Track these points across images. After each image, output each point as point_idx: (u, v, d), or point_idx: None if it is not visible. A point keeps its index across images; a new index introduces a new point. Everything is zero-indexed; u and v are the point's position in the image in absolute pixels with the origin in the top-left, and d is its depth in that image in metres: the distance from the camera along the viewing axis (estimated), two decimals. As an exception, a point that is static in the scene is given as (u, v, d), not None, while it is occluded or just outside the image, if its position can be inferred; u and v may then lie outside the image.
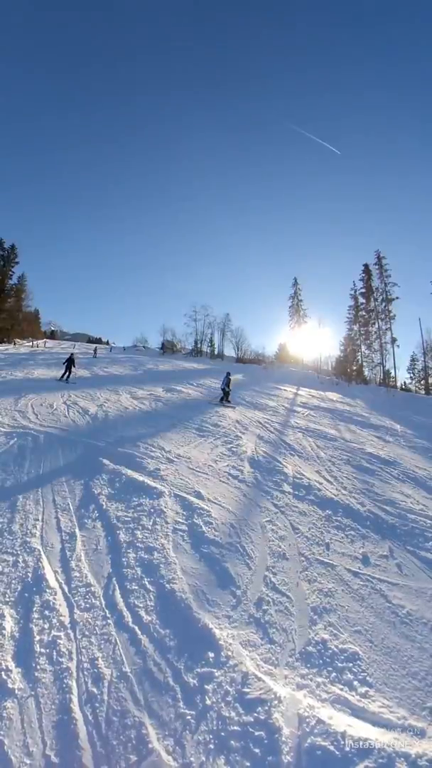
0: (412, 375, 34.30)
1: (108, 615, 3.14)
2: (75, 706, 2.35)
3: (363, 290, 35.73)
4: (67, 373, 15.95)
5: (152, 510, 4.95)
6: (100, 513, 4.79)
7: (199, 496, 5.49)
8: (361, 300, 35.84)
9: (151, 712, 2.36)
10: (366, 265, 35.80)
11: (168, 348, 45.53)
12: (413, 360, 34.12)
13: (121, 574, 3.67)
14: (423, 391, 30.87)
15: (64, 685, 2.49)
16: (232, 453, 7.71)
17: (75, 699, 2.40)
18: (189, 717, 2.35)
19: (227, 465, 6.95)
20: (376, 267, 34.65)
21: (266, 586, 3.74)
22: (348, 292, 37.02)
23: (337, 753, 2.18)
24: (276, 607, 3.47)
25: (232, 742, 2.22)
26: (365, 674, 2.84)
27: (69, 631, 2.96)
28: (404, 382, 33.97)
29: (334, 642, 3.12)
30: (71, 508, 4.88)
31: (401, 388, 31.23)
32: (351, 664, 2.91)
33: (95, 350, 36.54)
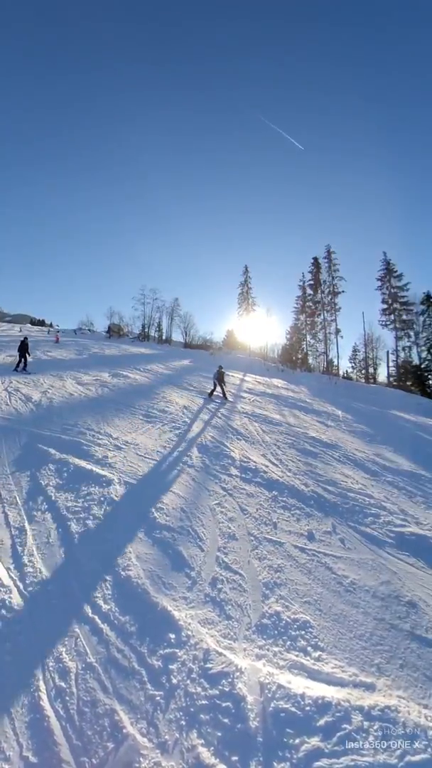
0: (353, 364, 36.49)
1: (67, 608, 3.07)
2: (45, 703, 2.31)
3: (311, 282, 37.12)
4: (23, 361, 13.84)
5: (102, 498, 4.85)
6: (49, 504, 4.60)
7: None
8: (309, 291, 37.26)
9: (120, 698, 2.39)
10: (315, 259, 37.20)
11: (114, 332, 43.63)
12: (355, 350, 36.29)
13: (76, 565, 3.59)
14: (363, 380, 33.12)
15: (31, 684, 2.44)
16: (180, 438, 7.72)
17: (44, 696, 2.36)
18: (158, 698, 2.41)
19: (176, 450, 6.95)
20: (326, 261, 36.15)
21: (219, 565, 3.88)
22: (297, 283, 38.37)
23: (299, 713, 2.38)
24: (230, 585, 3.62)
25: (202, 715, 2.34)
26: (317, 640, 3.10)
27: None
28: (346, 371, 36.16)
29: (286, 613, 3.34)
30: (18, 501, 4.63)
31: (343, 377, 33.18)
32: (303, 632, 3.15)
33: (57, 335, 32.26)
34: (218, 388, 12.79)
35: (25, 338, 15.09)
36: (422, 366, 30.08)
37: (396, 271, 32.28)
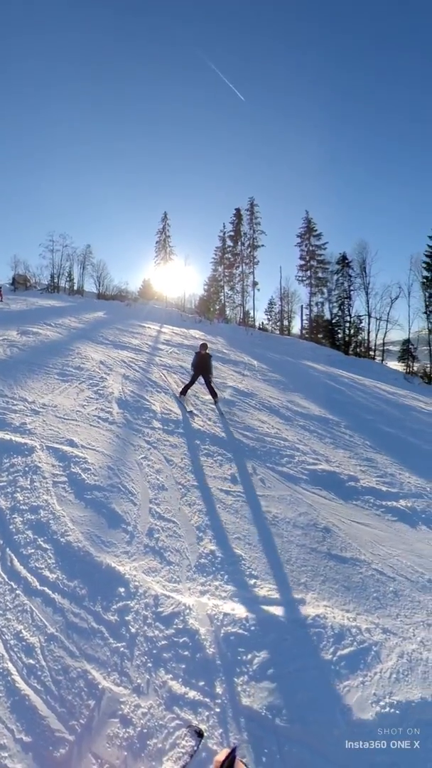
0: (269, 317, 37.96)
1: (14, 586, 3.04)
2: (21, 683, 2.34)
3: (232, 233, 36.57)
4: None
5: (27, 468, 4.65)
6: (-30, 482, 4.25)
7: (72, 444, 5.32)
8: (229, 243, 36.83)
9: (89, 658, 2.53)
10: (238, 210, 36.39)
11: (20, 283, 38.11)
12: (271, 303, 37.59)
13: (13, 542, 3.51)
14: (278, 332, 34.87)
15: (0, 670, 2.44)
16: (99, 396, 7.42)
17: (17, 677, 2.38)
18: (122, 649, 2.60)
19: (96, 408, 6.74)
20: (248, 213, 35.71)
21: (153, 516, 4.09)
22: (217, 233, 37.58)
23: (246, 634, 2.78)
24: (166, 533, 3.87)
25: (165, 654, 2.60)
26: (251, 570, 3.54)
27: (-20, 615, 2.80)
28: (262, 323, 37.52)
29: (220, 551, 3.72)
30: None
31: (259, 328, 34.45)
32: (238, 565, 3.57)
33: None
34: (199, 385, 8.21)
35: None
36: (333, 321, 33.14)
37: (316, 230, 33.53)
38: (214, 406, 7.66)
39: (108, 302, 31.36)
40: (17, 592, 2.99)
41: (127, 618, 2.82)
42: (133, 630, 2.74)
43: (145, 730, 2.17)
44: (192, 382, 7.90)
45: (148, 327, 17.90)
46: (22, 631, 2.68)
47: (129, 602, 2.95)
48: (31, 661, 2.48)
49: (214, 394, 7.77)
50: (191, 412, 7.23)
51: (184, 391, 7.83)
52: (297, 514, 4.57)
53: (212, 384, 7.90)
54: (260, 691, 2.43)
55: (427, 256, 29.67)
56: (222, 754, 1.29)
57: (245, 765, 1.37)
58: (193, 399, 7.76)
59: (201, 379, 7.92)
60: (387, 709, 2.43)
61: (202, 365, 7.84)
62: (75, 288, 39.39)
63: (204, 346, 8.22)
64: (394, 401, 12.45)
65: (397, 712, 2.43)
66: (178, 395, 7.90)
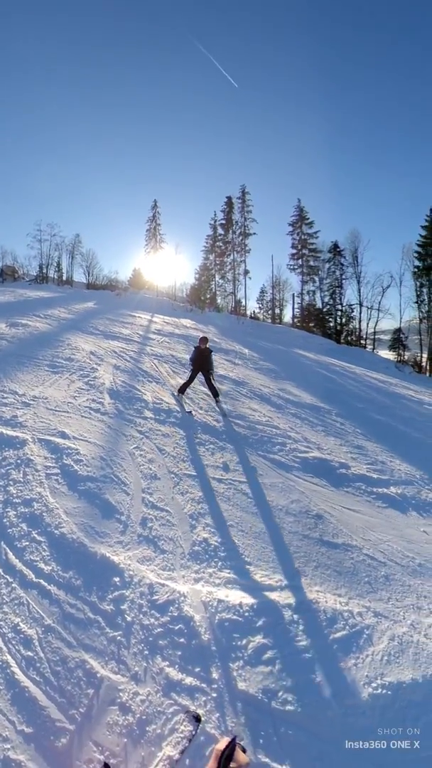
0: (260, 305, 38.09)
1: (10, 579, 3.04)
2: (20, 675, 2.36)
3: (223, 221, 36.44)
4: None
5: (19, 461, 4.63)
6: (-39, 476, 4.21)
7: (64, 436, 5.29)
8: (220, 231, 36.68)
9: (86, 647, 2.55)
10: (229, 198, 36.23)
11: (8, 274, 37.26)
12: (263, 292, 37.73)
13: (8, 535, 3.50)
14: (269, 321, 35.01)
15: None
16: (90, 386, 7.37)
17: (16, 669, 2.39)
18: (119, 637, 2.62)
19: (87, 399, 6.71)
20: (239, 201, 35.62)
21: (146, 506, 4.10)
22: (208, 221, 37.37)
23: (240, 619, 2.83)
24: (159, 522, 3.88)
25: (161, 641, 2.63)
26: (244, 556, 3.58)
27: (-23, 610, 2.80)
28: (253, 311, 37.62)
29: (213, 538, 3.74)
30: None
31: (250, 317, 34.54)
32: (231, 552, 3.60)
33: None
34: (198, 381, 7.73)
35: None
36: (324, 309, 33.41)
37: (308, 219, 33.64)
38: (211, 400, 7.48)
39: (98, 292, 30.89)
40: (13, 585, 2.99)
41: (122, 607, 2.84)
42: (129, 619, 2.76)
43: (143, 717, 2.19)
44: (191, 379, 7.37)
45: (139, 317, 17.74)
46: (20, 623, 2.69)
47: (124, 591, 2.97)
48: (30, 653, 2.50)
49: (215, 393, 7.27)
50: (190, 412, 6.83)
51: (182, 389, 7.35)
52: (289, 501, 4.61)
53: (213, 381, 7.44)
54: (255, 676, 2.47)
55: (419, 245, 29.92)
56: (222, 743, 1.31)
57: (244, 751, 1.38)
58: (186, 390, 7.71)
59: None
60: (379, 690, 2.50)
61: (201, 360, 7.31)
62: (64, 278, 38.78)
63: (204, 339, 7.55)
64: (385, 389, 12.58)
65: (389, 693, 2.49)
66: (176, 393, 7.44)
